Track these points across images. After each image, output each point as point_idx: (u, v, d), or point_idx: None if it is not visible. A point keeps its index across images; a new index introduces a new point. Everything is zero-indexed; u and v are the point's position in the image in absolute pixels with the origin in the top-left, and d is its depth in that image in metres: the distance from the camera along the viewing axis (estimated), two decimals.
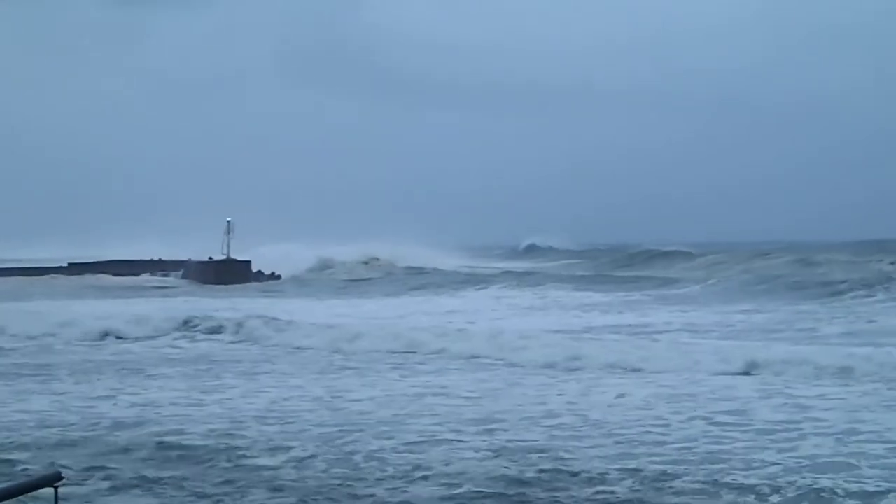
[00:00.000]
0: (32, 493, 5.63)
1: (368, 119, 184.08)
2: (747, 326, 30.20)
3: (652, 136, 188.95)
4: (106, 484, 12.34)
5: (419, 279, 58.28)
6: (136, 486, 12.25)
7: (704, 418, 15.91)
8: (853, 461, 12.88)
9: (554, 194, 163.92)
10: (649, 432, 14.90)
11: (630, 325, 31.30)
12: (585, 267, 73.86)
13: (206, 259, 64.94)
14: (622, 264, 72.11)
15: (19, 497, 5.57)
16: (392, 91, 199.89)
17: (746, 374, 20.42)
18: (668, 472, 12.49)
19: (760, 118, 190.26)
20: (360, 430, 15.31)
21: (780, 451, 13.60)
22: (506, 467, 12.92)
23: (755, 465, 12.83)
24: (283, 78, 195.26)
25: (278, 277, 64.50)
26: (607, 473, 12.48)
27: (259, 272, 64.29)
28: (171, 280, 65.67)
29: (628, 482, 12.12)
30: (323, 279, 64.02)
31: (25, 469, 12.85)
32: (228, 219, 64.74)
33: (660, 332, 28.60)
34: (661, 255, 72.34)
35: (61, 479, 5.58)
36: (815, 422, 15.44)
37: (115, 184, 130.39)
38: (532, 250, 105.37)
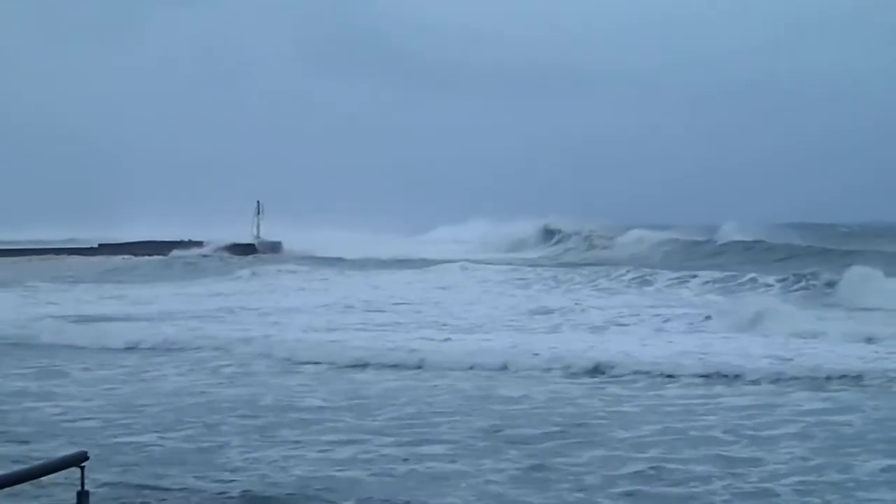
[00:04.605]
0: (58, 473, 5.71)
1: (378, 104, 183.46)
2: None
3: (652, 120, 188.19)
4: None
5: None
6: None
7: None
8: None
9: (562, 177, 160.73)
10: None
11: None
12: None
13: (232, 243, 64.86)
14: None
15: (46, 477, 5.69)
16: (400, 76, 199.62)
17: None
18: None
19: (760, 102, 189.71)
20: None
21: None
22: None
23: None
24: (300, 66, 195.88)
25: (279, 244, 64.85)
26: None
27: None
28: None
29: None
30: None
31: None
32: (258, 200, 66.42)
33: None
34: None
35: (87, 458, 5.63)
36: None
37: (146, 169, 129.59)
38: None
